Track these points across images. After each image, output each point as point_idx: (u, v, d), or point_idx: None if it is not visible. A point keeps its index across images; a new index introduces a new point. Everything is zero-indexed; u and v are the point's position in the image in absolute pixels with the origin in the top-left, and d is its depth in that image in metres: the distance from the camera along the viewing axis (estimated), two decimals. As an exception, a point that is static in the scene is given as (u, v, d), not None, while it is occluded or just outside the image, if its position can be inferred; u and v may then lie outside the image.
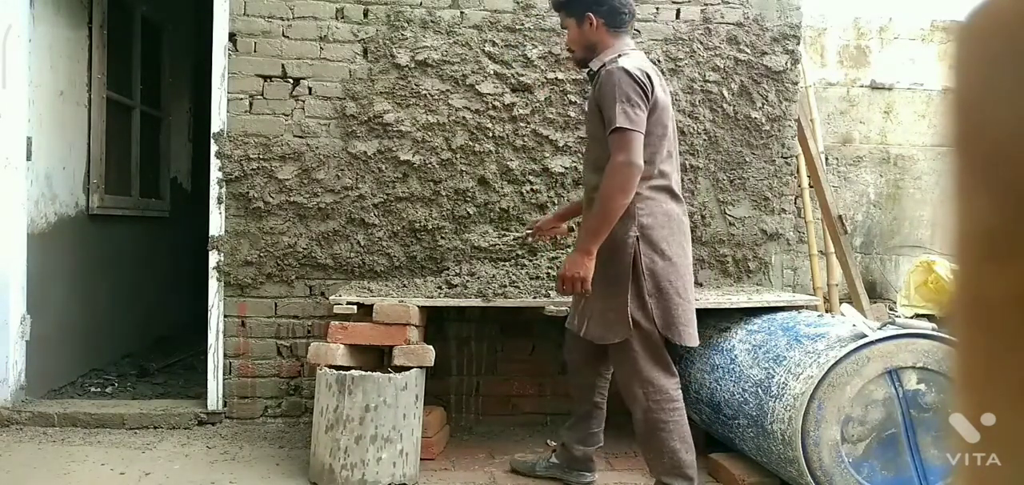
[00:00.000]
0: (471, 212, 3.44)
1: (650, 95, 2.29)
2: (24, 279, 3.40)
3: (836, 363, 2.37)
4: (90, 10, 3.91)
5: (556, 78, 3.43)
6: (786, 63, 3.58)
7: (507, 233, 3.44)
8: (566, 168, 3.45)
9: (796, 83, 3.63)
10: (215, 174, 3.35)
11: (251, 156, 3.34)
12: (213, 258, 3.36)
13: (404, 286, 3.26)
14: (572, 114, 3.45)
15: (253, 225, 3.36)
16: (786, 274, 3.67)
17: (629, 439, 2.93)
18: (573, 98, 3.45)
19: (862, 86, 5.11)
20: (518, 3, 3.44)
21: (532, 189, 3.45)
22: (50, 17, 3.56)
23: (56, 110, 3.64)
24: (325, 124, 3.38)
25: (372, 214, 3.39)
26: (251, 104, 3.36)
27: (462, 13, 3.41)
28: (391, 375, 2.71)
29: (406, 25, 3.38)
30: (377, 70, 3.38)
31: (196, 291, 4.35)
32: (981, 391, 0.40)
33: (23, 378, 3.41)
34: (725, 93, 3.54)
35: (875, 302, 4.75)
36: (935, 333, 2.42)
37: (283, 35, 3.37)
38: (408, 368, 2.76)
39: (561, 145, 3.45)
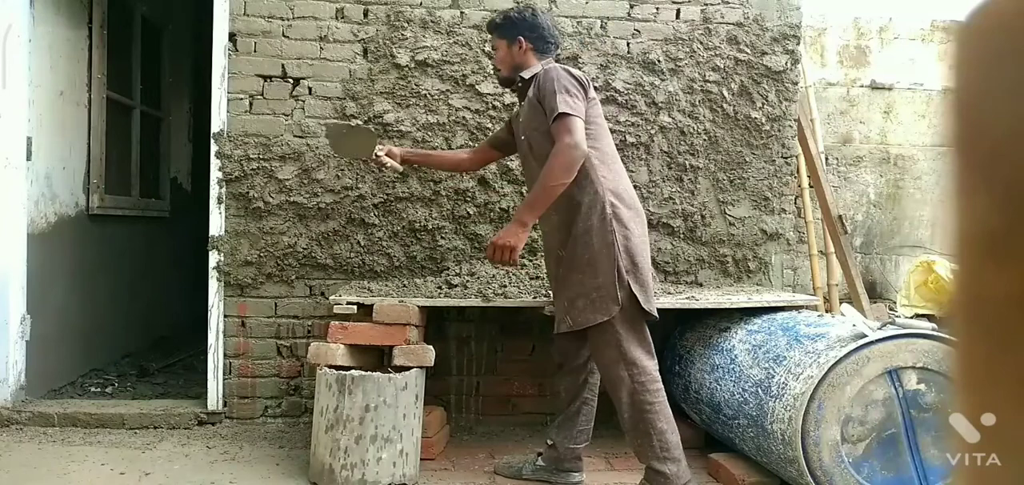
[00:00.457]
0: (471, 212, 3.44)
1: (587, 89, 2.48)
2: (24, 279, 3.40)
3: (836, 363, 2.37)
4: (90, 10, 3.91)
5: (556, 78, 3.43)
6: (786, 63, 3.58)
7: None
8: (566, 168, 3.45)
9: (796, 83, 3.63)
10: (215, 174, 3.35)
11: (251, 156, 3.34)
12: (213, 258, 3.36)
13: (404, 286, 3.26)
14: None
15: (253, 225, 3.36)
16: (786, 274, 3.67)
17: (629, 439, 2.93)
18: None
19: (862, 86, 5.11)
20: (518, 3, 3.43)
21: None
22: (50, 17, 3.56)
23: (56, 110, 3.64)
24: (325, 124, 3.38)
25: (372, 214, 3.39)
26: (251, 104, 3.36)
27: (462, 13, 3.41)
28: (391, 375, 2.71)
29: (406, 25, 3.38)
30: (377, 70, 3.38)
31: (196, 291, 4.35)
32: (981, 391, 0.40)
33: (23, 378, 3.41)
34: (725, 93, 3.54)
35: (875, 302, 4.75)
36: (935, 333, 2.42)
37: (283, 35, 3.37)
38: (408, 368, 2.76)
39: (561, 145, 3.44)
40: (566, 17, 3.46)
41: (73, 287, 3.85)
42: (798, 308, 3.08)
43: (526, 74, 2.60)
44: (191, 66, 5.50)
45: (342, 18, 3.39)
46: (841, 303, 3.75)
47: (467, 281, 3.18)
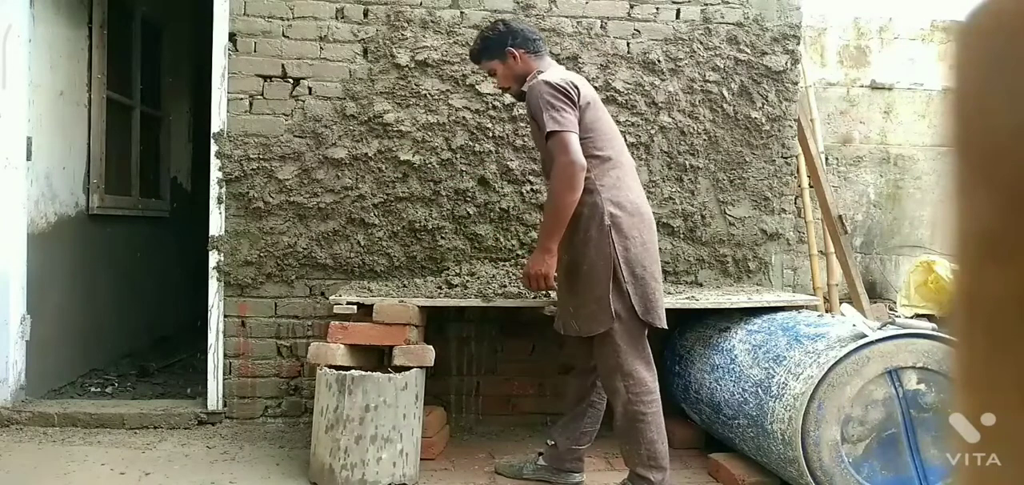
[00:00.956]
0: (471, 212, 3.44)
1: (576, 97, 2.42)
2: (24, 279, 3.40)
3: (836, 363, 2.37)
4: (90, 10, 3.91)
5: (556, 78, 3.43)
6: (786, 63, 3.58)
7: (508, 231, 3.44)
8: (566, 168, 3.45)
9: (796, 83, 3.63)
10: (215, 174, 3.35)
11: (251, 156, 3.34)
12: (213, 258, 3.36)
13: (404, 286, 3.26)
14: (572, 114, 3.45)
15: (253, 225, 3.36)
16: (786, 274, 3.67)
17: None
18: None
19: (862, 86, 5.11)
20: (518, 3, 3.44)
21: (532, 189, 3.45)
22: (50, 17, 3.56)
23: (56, 110, 3.64)
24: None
25: (372, 214, 3.39)
26: (251, 104, 3.36)
27: (462, 13, 3.41)
28: (391, 375, 2.71)
29: (406, 25, 3.38)
30: (377, 70, 3.38)
31: (196, 291, 4.34)
32: (981, 391, 0.40)
33: (23, 378, 3.41)
34: (725, 93, 3.54)
35: (875, 302, 4.75)
36: (935, 333, 2.42)
37: (283, 35, 3.37)
38: (408, 368, 2.76)
39: (561, 145, 3.44)
40: (566, 17, 3.46)
41: (73, 287, 3.85)
42: (798, 308, 3.08)
43: (525, 85, 2.58)
44: (191, 66, 5.50)
45: (342, 18, 3.38)
46: (841, 303, 3.75)
47: (467, 281, 3.18)
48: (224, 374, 3.39)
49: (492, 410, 3.52)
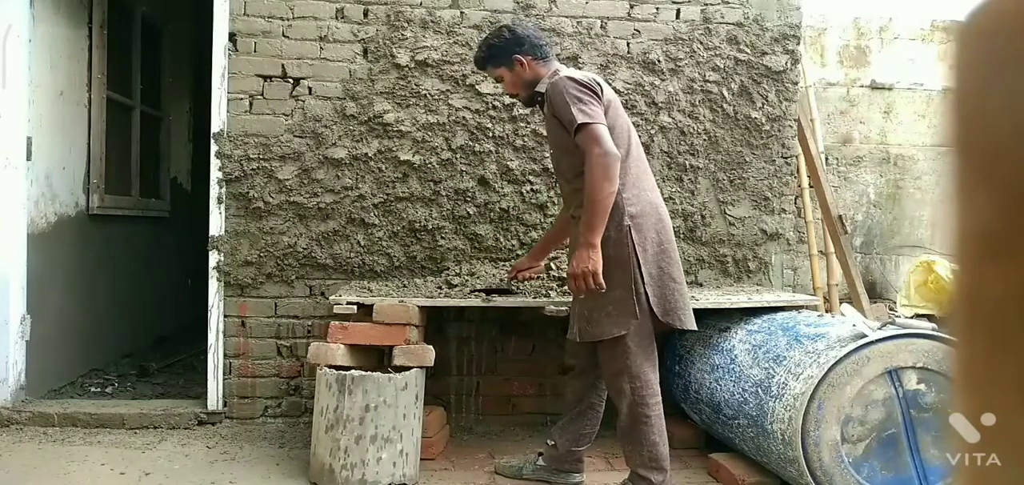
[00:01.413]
0: (471, 212, 3.44)
1: (600, 94, 2.40)
2: (24, 279, 3.40)
3: (836, 363, 2.37)
4: (90, 10, 3.91)
5: (556, 78, 3.43)
6: (786, 63, 3.58)
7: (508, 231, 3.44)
8: (566, 168, 3.45)
9: (796, 83, 3.63)
10: (215, 174, 3.35)
11: (251, 156, 3.34)
12: (213, 258, 3.36)
13: (404, 286, 3.26)
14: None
15: (253, 225, 3.36)
16: (786, 274, 3.67)
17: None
18: (573, 98, 3.45)
19: (862, 86, 5.11)
20: (518, 3, 3.44)
21: (532, 189, 3.45)
22: (50, 17, 3.56)
23: (56, 110, 3.64)
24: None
25: (372, 214, 3.39)
26: (251, 104, 3.36)
27: (462, 13, 3.41)
28: (391, 375, 2.71)
29: (406, 25, 3.38)
30: (377, 70, 3.38)
31: (196, 291, 4.34)
32: (981, 391, 0.40)
33: (23, 378, 3.41)
34: (725, 93, 3.54)
35: (875, 302, 4.75)
36: (935, 333, 2.42)
37: (283, 35, 3.37)
38: (408, 368, 2.76)
39: (561, 145, 3.45)
40: (566, 17, 3.46)
41: (73, 287, 3.85)
42: (798, 308, 3.08)
43: (541, 87, 2.54)
44: (191, 66, 5.50)
45: (342, 18, 3.38)
46: (841, 303, 3.75)
47: (467, 281, 3.18)
48: (224, 374, 3.39)
49: (492, 410, 3.52)
